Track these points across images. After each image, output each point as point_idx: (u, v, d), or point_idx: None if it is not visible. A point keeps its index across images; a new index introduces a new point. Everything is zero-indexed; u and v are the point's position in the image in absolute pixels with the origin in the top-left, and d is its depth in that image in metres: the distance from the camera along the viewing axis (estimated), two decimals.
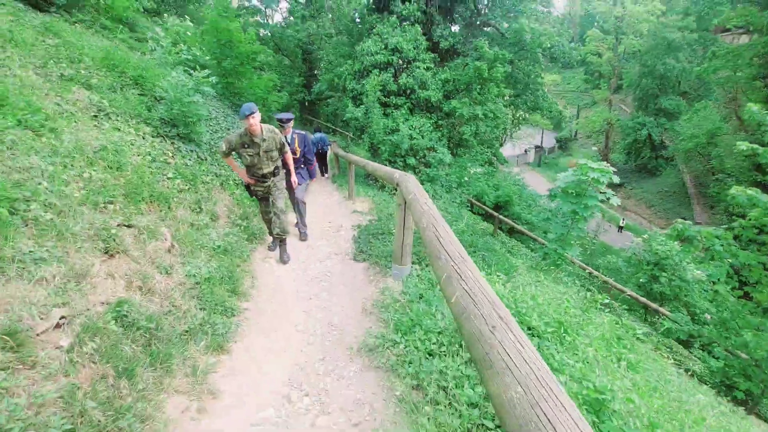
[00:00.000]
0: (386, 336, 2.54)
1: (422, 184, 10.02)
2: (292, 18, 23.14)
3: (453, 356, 2.36)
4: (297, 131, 5.08)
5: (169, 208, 3.80)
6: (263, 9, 22.89)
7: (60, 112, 3.73)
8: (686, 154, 24.90)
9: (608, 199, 4.93)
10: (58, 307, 2.12)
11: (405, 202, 3.26)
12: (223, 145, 3.78)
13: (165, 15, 13.25)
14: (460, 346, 2.46)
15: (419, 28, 11.29)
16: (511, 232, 13.95)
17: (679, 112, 27.28)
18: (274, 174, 4.07)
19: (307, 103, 23.83)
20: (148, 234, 3.22)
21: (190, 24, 11.58)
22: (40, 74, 4.18)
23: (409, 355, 2.43)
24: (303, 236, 5.18)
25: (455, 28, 13.84)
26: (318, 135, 10.99)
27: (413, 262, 3.62)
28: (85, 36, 5.96)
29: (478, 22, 14.12)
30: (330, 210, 7.10)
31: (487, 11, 14.04)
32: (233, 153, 3.88)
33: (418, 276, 3.39)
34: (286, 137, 4.83)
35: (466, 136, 11.32)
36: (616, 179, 4.85)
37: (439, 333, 2.48)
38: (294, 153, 4.90)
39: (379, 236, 4.39)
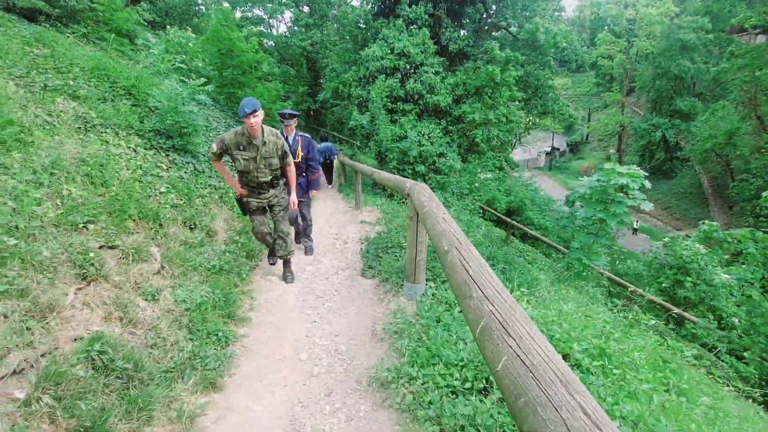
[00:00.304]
0: (401, 369, 2.18)
1: (432, 191, 9.65)
2: (296, 28, 23.16)
3: (480, 395, 2.00)
4: (302, 134, 4.52)
5: (160, 225, 3.51)
6: (266, 19, 22.86)
7: (39, 124, 3.48)
8: (703, 155, 24.33)
9: (638, 204, 4.51)
10: (17, 349, 1.81)
11: (417, 215, 2.92)
12: (214, 146, 3.26)
13: (167, 27, 13.26)
14: (488, 381, 2.09)
15: (427, 32, 10.97)
16: (524, 237, 13.52)
17: (695, 113, 26.93)
18: (272, 185, 3.54)
19: (312, 112, 23.72)
20: (135, 255, 2.93)
21: (192, 35, 11.51)
22: (21, 85, 3.96)
23: (428, 393, 2.07)
24: (308, 251, 4.84)
25: (464, 33, 13.56)
26: (325, 144, 10.75)
27: (427, 279, 3.27)
28: (76, 46, 5.77)
29: (486, 26, 13.81)
30: (336, 221, 6.79)
31: (497, 13, 13.71)
32: (226, 156, 3.37)
33: (433, 295, 3.03)
34: (287, 137, 4.39)
35: (478, 141, 10.93)
36: (648, 184, 4.43)
37: (462, 366, 2.12)
38: (295, 156, 4.36)
39: (389, 250, 4.04)
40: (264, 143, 3.29)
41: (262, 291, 3.66)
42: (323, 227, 6.41)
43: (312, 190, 4.68)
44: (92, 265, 2.51)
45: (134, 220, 3.34)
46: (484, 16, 13.86)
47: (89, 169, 3.37)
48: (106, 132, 4.28)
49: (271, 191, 3.57)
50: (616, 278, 5.70)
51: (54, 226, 2.61)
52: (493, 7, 13.70)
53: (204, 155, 5.32)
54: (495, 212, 12.12)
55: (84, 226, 2.81)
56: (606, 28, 36.42)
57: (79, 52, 5.47)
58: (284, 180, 3.74)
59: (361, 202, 7.41)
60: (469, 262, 1.35)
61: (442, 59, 11.46)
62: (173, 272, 3.10)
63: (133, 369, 1.96)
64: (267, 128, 3.31)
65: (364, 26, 12.12)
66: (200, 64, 10.39)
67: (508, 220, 12.30)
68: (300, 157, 4.43)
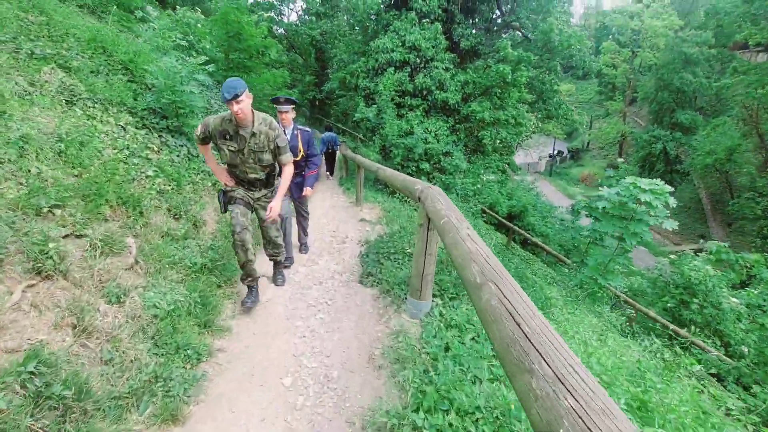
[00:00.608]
0: (403, 415, 1.82)
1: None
2: (306, 17, 22.73)
3: None
4: (301, 127, 3.88)
5: (140, 213, 3.13)
6: (278, 5, 22.38)
7: (16, 93, 3.09)
8: (703, 170, 24.32)
9: (661, 223, 4.15)
10: None
11: (429, 223, 2.56)
12: (199, 128, 2.76)
13: (178, 7, 12.81)
14: None
15: (439, 26, 10.54)
16: (525, 243, 13.21)
17: (696, 127, 26.96)
18: (267, 184, 2.99)
19: (317, 102, 23.33)
20: (105, 247, 2.55)
21: (201, 16, 11.10)
22: (4, 50, 3.57)
23: None
24: (303, 248, 4.44)
25: (476, 31, 13.16)
26: (329, 134, 10.46)
27: (434, 294, 2.91)
28: (76, 16, 5.37)
29: (496, 27, 13.39)
30: (335, 216, 6.42)
31: (511, 12, 13.27)
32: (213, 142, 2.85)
33: (440, 315, 2.67)
34: (284, 131, 3.72)
35: (486, 141, 10.54)
36: (673, 201, 4.06)
37: (479, 417, 1.76)
38: (296, 154, 3.75)
39: (392, 256, 3.68)
40: (253, 134, 2.70)
41: None
42: (321, 222, 6.04)
43: (306, 187, 4.01)
44: (50, 257, 2.13)
45: (111, 206, 2.96)
46: (497, 14, 13.46)
47: (65, 146, 2.99)
48: (94, 107, 3.91)
49: (264, 191, 3.01)
50: (636, 303, 5.30)
51: (11, 210, 2.24)
52: (508, 5, 13.27)
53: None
54: (496, 216, 11.78)
55: (49, 211, 2.43)
56: (611, 37, 36.26)
57: (77, 22, 5.09)
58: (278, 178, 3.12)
59: (362, 199, 7.04)
60: (518, 310, 0.99)
61: (452, 56, 11.04)
62: (148, 269, 2.72)
63: (74, 397, 1.59)
64: (260, 115, 2.72)
65: (375, 17, 11.65)
66: (207, 46, 10.03)
67: (510, 225, 11.97)
68: (300, 152, 3.81)
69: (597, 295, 4.54)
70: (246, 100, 2.53)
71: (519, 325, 0.93)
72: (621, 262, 4.48)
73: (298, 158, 3.73)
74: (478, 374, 2.15)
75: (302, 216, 4.33)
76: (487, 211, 11.22)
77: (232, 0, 9.27)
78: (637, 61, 33.45)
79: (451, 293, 2.97)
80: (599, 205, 4.32)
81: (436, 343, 2.34)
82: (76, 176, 2.97)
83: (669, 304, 7.82)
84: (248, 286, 3.04)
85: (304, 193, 4.03)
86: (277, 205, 2.86)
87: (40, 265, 2.08)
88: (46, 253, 2.11)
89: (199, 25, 10.40)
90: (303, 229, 4.40)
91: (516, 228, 11.93)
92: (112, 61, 4.53)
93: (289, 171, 2.90)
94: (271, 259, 3.40)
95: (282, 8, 22.74)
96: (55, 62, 4.04)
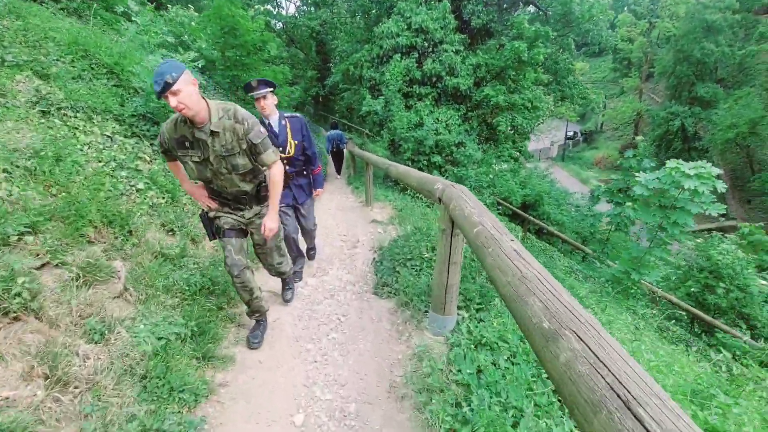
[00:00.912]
0: None
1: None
2: (304, 8, 22.21)
3: None
4: (289, 114, 3.14)
5: (129, 232, 2.86)
6: None
7: None
8: (723, 146, 23.31)
9: (706, 210, 3.71)
10: None
11: (452, 226, 2.22)
12: (158, 138, 2.19)
13: (169, 6, 12.52)
14: None
15: (448, 4, 9.87)
16: (540, 233, 12.79)
17: (716, 100, 25.93)
18: (258, 199, 2.38)
19: (321, 98, 22.87)
20: (89, 275, 2.28)
21: (195, 14, 10.78)
22: None
23: None
24: (312, 254, 4.08)
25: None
26: (334, 132, 10.08)
27: (459, 306, 2.57)
28: (56, 20, 5.10)
29: (508, 2, 12.67)
30: (345, 218, 6.10)
31: None
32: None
33: (469, 332, 2.34)
34: (266, 122, 2.98)
35: (501, 129, 10.00)
36: (722, 186, 3.61)
37: None
38: (285, 151, 3.04)
39: (407, 262, 3.34)
40: (214, 134, 2.00)
41: None
42: (330, 225, 5.74)
43: (317, 189, 3.48)
44: (17, 295, 1.86)
45: (96, 227, 2.69)
46: None
47: (39, 161, 2.72)
48: (75, 116, 3.65)
49: (256, 207, 2.38)
50: (679, 301, 4.81)
51: None
52: None
53: None
54: (510, 206, 11.34)
55: (19, 239, 2.16)
56: (626, 9, 34.86)
57: (57, 25, 4.82)
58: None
59: (372, 198, 6.71)
60: (626, 384, 0.65)
61: (463, 36, 10.39)
62: (139, 296, 2.45)
63: None
64: (218, 106, 2.02)
65: (377, 0, 11.07)
66: (203, 45, 9.71)
67: (525, 215, 11.52)
68: (293, 147, 3.07)
69: (631, 291, 4.12)
70: (187, 89, 1.81)
71: (640, 420, 0.59)
72: (658, 255, 4.06)
73: (291, 154, 3.08)
74: (519, 404, 1.82)
75: (307, 232, 3.68)
76: (502, 202, 10.78)
77: None
78: (655, 33, 32.23)
79: (478, 303, 2.63)
80: (636, 191, 3.88)
81: (467, 369, 2.01)
82: (54, 195, 2.70)
83: (693, 289, 7.35)
84: (256, 320, 2.66)
85: (315, 194, 3.48)
86: (272, 219, 2.28)
87: (6, 305, 1.81)
88: (13, 292, 1.84)
89: (193, 24, 10.05)
90: (310, 239, 3.90)
91: (532, 218, 11.48)
92: (96, 65, 4.25)
93: (276, 172, 2.20)
94: (276, 276, 2.90)
95: (279, 0, 22.29)
96: (31, 69, 3.78)
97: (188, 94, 1.82)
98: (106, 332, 2.03)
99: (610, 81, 40.66)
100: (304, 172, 3.28)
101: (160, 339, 2.09)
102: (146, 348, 1.99)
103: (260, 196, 2.37)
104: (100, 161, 3.38)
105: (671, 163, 3.67)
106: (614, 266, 4.71)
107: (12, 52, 3.71)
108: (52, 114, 3.41)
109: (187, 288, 2.65)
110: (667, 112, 26.85)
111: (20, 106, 3.28)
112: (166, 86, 1.74)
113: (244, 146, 2.08)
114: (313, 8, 21.22)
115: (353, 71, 11.04)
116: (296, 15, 22.45)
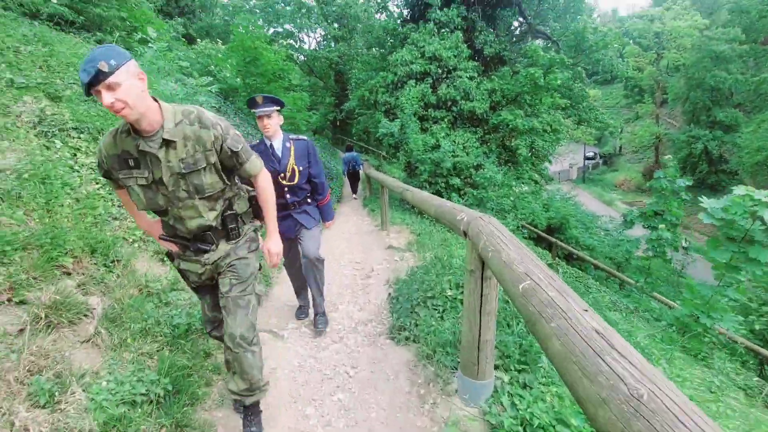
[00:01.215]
0: None
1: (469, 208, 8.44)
2: (324, 42, 23.28)
3: None
4: (294, 136, 2.73)
5: (113, 261, 2.54)
6: (296, 33, 22.92)
7: None
8: (753, 168, 22.75)
9: None
10: None
11: (483, 267, 1.78)
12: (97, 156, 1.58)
13: (198, 40, 13.09)
14: None
15: (460, 35, 9.98)
16: (569, 258, 12.13)
17: (737, 124, 25.59)
18: (228, 233, 1.73)
19: (338, 122, 23.39)
20: (55, 314, 1.94)
21: (222, 47, 11.20)
22: None
23: None
24: (319, 323, 2.98)
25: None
26: (350, 154, 10.21)
27: (496, 365, 2.06)
28: (80, 46, 5.13)
29: (519, 32, 12.70)
30: (359, 243, 5.72)
31: (537, 16, 12.56)
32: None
33: (511, 404, 1.83)
34: (268, 144, 2.62)
35: (521, 152, 9.66)
36: None
37: None
38: (287, 177, 2.62)
39: (428, 301, 2.88)
40: (167, 144, 1.46)
41: None
42: (342, 249, 5.36)
43: (326, 221, 3.00)
44: None
45: (75, 256, 2.38)
46: (521, 20, 12.80)
47: (19, 184, 2.47)
48: (79, 137, 3.49)
49: (226, 245, 1.73)
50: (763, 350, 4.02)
51: None
52: (532, 10, 12.61)
53: None
54: (534, 229, 10.77)
55: None
56: (632, 41, 35.13)
57: (80, 51, 4.86)
58: (249, 217, 1.85)
59: (388, 221, 6.33)
60: None
61: (476, 64, 10.40)
62: (112, 340, 2.08)
63: None
64: (174, 109, 1.49)
65: (392, 33, 11.32)
66: (228, 75, 10.03)
67: (553, 239, 10.91)
68: (296, 174, 2.64)
69: (704, 340, 3.44)
70: (130, 83, 1.29)
71: None
72: (730, 296, 3.42)
73: (293, 182, 2.65)
74: None
75: (311, 267, 2.81)
76: (527, 226, 10.23)
77: (245, 27, 9.21)
78: (664, 63, 32.65)
79: (519, 362, 2.10)
80: (704, 219, 3.33)
81: None
82: (37, 221, 2.43)
83: (757, 326, 6.54)
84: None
85: (323, 226, 3.00)
86: (274, 241, 1.82)
87: None
88: None
89: (219, 55, 10.54)
90: (317, 288, 2.95)
91: (560, 243, 10.83)
92: None
93: (266, 183, 1.73)
94: (235, 396, 1.79)
95: (301, 36, 23.32)
96: (43, 91, 3.70)
97: (130, 88, 1.29)
98: (57, 393, 1.64)
99: (623, 107, 40.74)
100: (309, 200, 2.83)
101: (122, 403, 1.68)
102: (98, 418, 1.59)
103: (228, 229, 1.72)
104: (97, 182, 3.15)
105: (740, 190, 3.14)
106: (676, 307, 4.09)
107: (26, 75, 3.69)
108: (54, 135, 3.24)
109: (168, 331, 2.27)
110: (688, 135, 26.62)
111: (21, 127, 3.12)
112: (99, 76, 1.21)
113: (213, 159, 1.54)
114: (332, 43, 22.21)
115: (369, 96, 11.07)
116: (317, 48, 23.48)
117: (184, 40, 12.52)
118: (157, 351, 2.15)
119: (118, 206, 3.07)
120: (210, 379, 2.20)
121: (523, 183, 11.39)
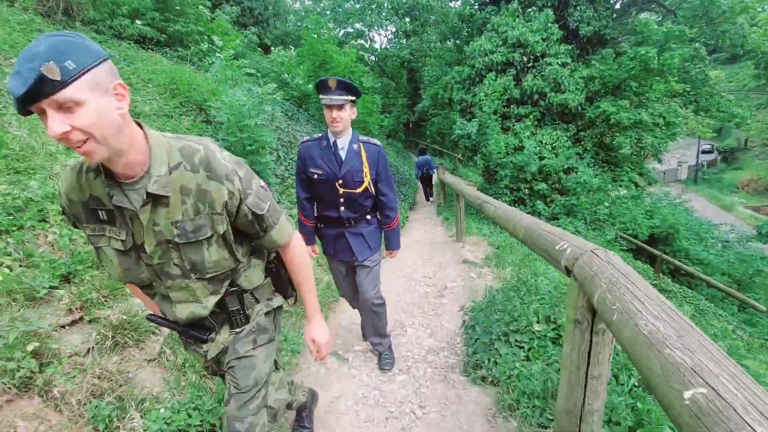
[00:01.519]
0: None
1: (556, 218, 7.53)
2: (395, 39, 22.94)
3: None
4: (365, 138, 2.17)
5: None
6: (367, 32, 22.93)
7: (54, 148, 2.84)
8: None
9: None
10: None
11: (593, 318, 1.32)
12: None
13: (272, 49, 13.88)
14: None
15: (550, 13, 8.76)
16: (675, 274, 10.32)
17: None
18: (232, 319, 1.20)
19: (411, 125, 23.03)
20: (121, 334, 1.96)
21: (294, 53, 11.68)
22: None
23: None
24: (385, 364, 2.58)
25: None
26: (423, 157, 9.88)
27: None
28: (161, 63, 5.57)
29: (624, 4, 10.92)
30: (432, 256, 5.35)
31: None
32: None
33: None
34: (332, 143, 2.09)
35: (624, 151, 8.35)
36: None
37: None
38: (355, 185, 2.11)
39: (510, 335, 2.43)
40: (155, 200, 0.95)
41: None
42: (415, 264, 5.04)
43: (391, 250, 2.43)
44: (17, 369, 1.55)
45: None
46: None
47: None
48: None
49: (223, 336, 1.22)
50: None
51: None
52: None
53: (280, 177, 4.48)
54: (634, 240, 9.31)
55: (48, 294, 1.93)
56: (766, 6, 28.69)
57: (160, 68, 5.25)
58: (266, 293, 1.27)
59: (463, 232, 5.87)
60: None
61: (569, 47, 9.12)
62: (177, 360, 2.05)
63: None
64: (167, 141, 0.96)
65: (468, 19, 10.48)
66: (300, 81, 10.37)
67: (657, 252, 9.31)
68: (365, 183, 2.12)
69: None
70: (98, 102, 0.77)
71: None
72: None
73: (359, 190, 2.12)
74: None
75: (367, 308, 2.41)
76: (626, 236, 8.87)
77: (315, 29, 9.27)
78: None
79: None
80: None
81: None
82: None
83: None
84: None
85: (389, 254, 2.45)
86: (320, 326, 1.34)
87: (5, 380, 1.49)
88: (9, 366, 1.52)
89: (291, 62, 10.94)
90: (374, 333, 2.60)
91: (667, 257, 9.20)
92: (186, 102, 4.38)
93: (299, 250, 1.24)
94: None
95: (371, 35, 23.30)
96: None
97: (100, 112, 0.78)
98: (115, 419, 1.61)
99: (752, 90, 33.70)
100: (368, 219, 2.27)
101: None
102: None
103: (233, 317, 1.20)
104: None
105: None
106: None
107: None
108: None
109: None
110: None
111: None
112: (39, 86, 0.70)
113: (223, 228, 1.03)
114: (404, 40, 21.72)
115: (443, 95, 10.51)
116: (387, 47, 23.21)
117: (260, 50, 13.27)
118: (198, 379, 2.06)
119: None
120: None
121: (620, 186, 9.94)
